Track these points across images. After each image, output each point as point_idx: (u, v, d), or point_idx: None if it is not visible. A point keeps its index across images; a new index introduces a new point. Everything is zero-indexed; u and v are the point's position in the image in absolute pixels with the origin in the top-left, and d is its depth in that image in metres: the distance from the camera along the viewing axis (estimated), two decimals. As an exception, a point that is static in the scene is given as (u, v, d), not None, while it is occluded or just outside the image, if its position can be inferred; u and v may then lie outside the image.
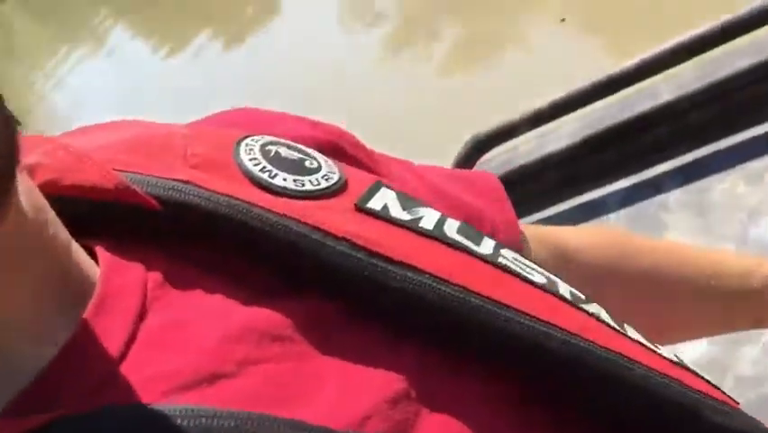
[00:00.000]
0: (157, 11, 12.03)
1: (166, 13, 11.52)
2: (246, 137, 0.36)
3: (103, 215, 0.32)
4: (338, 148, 0.41)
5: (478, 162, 1.14)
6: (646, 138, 1.06)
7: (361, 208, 0.34)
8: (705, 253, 0.61)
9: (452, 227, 0.35)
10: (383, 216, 0.34)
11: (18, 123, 0.27)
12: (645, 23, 4.09)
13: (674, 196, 1.02)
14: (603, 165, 1.09)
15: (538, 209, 1.12)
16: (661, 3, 4.32)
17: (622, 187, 1.08)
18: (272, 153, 0.36)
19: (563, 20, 4.71)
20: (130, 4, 13.66)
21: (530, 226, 0.58)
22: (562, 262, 0.57)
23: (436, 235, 0.34)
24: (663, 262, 0.59)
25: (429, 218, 0.35)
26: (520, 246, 0.52)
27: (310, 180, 0.35)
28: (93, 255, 0.32)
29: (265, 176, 0.34)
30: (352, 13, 6.69)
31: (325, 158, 0.37)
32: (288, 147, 0.37)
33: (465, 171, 0.56)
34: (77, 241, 0.31)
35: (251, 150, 0.35)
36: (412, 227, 0.34)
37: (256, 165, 0.34)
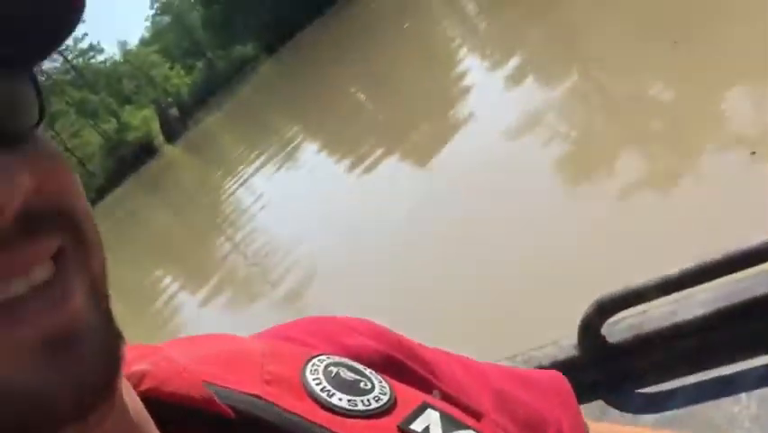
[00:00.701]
0: (338, 128, 12.78)
1: (344, 130, 12.22)
2: (314, 357, 0.43)
3: (191, 417, 0.39)
4: (394, 360, 0.47)
5: (606, 322, 1.13)
6: (785, 316, 1.01)
7: (403, 430, 0.39)
8: None
9: None
10: None
11: (122, 338, 0.33)
12: None
13: (814, 382, 0.96)
14: (738, 340, 1.05)
15: (666, 379, 1.08)
16: None
17: (758, 365, 1.02)
18: (333, 374, 0.42)
19: (754, 153, 4.22)
20: (319, 122, 14.61)
21: (603, 426, 0.58)
22: None
23: None
24: None
25: None
26: None
27: (362, 401, 0.40)
28: None
29: (324, 395, 0.40)
30: (527, 133, 6.76)
31: (380, 378, 0.43)
32: (348, 368, 0.43)
33: (531, 372, 0.58)
34: None
35: (315, 370, 0.42)
36: None
37: (318, 385, 0.41)
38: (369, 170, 8.87)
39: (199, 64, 45.27)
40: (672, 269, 1.05)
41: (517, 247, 4.92)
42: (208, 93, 41.30)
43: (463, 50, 12.10)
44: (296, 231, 8.81)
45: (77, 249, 0.31)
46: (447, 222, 6.09)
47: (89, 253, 0.31)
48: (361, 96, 15.36)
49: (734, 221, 3.54)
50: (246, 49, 41.50)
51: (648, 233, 4.11)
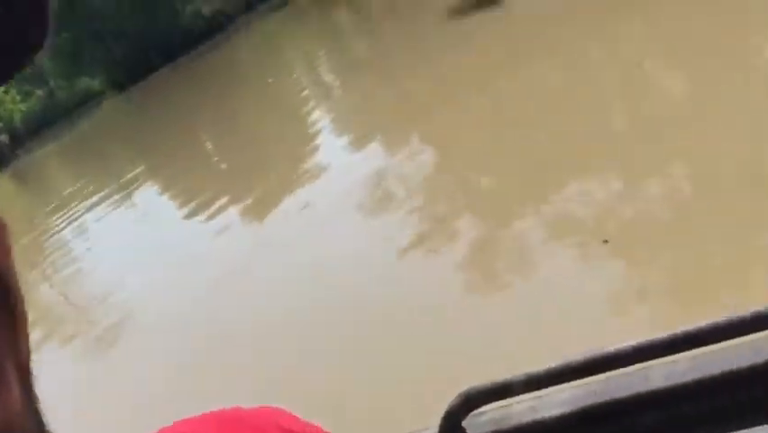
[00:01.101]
0: (180, 174, 12.52)
1: (186, 177, 11.99)
2: None
3: None
4: None
5: (470, 415, 1.13)
6: (639, 421, 1.05)
7: None
8: None
9: None
10: None
11: None
12: (696, 258, 3.76)
13: (662, 489, 0.99)
14: (594, 441, 1.07)
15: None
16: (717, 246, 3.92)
17: (611, 467, 1.05)
18: None
19: (606, 241, 4.17)
20: (161, 166, 14.23)
21: None
22: None
23: None
24: None
25: None
26: None
27: None
28: None
29: None
30: (371, 205, 6.87)
31: None
32: None
33: None
34: None
35: None
36: None
37: None
38: (208, 219, 8.73)
39: (39, 92, 42.98)
40: (539, 366, 1.06)
41: (347, 310, 4.93)
42: (45, 123, 39.22)
43: (317, 112, 12.28)
44: (118, 275, 8.61)
45: (9, 329, 0.25)
46: (273, 275, 6.05)
47: (20, 338, 0.26)
48: (209, 145, 15.15)
49: (587, 312, 3.67)
50: (93, 82, 39.95)
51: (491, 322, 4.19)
